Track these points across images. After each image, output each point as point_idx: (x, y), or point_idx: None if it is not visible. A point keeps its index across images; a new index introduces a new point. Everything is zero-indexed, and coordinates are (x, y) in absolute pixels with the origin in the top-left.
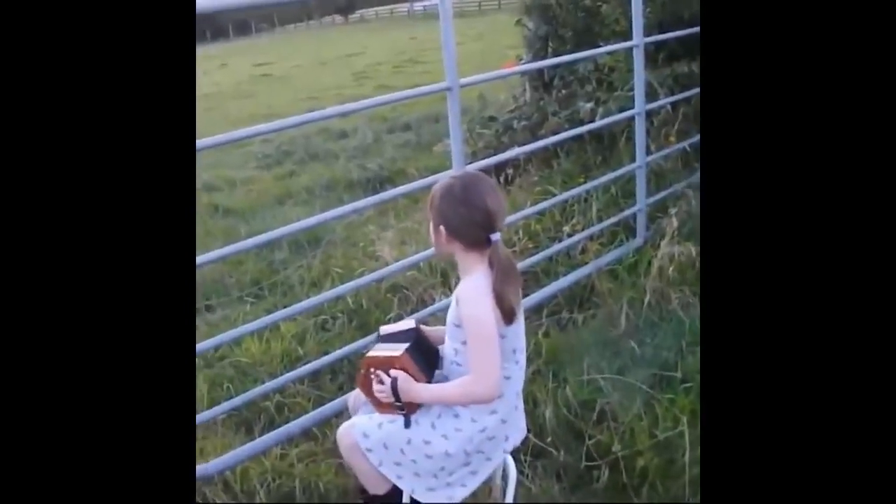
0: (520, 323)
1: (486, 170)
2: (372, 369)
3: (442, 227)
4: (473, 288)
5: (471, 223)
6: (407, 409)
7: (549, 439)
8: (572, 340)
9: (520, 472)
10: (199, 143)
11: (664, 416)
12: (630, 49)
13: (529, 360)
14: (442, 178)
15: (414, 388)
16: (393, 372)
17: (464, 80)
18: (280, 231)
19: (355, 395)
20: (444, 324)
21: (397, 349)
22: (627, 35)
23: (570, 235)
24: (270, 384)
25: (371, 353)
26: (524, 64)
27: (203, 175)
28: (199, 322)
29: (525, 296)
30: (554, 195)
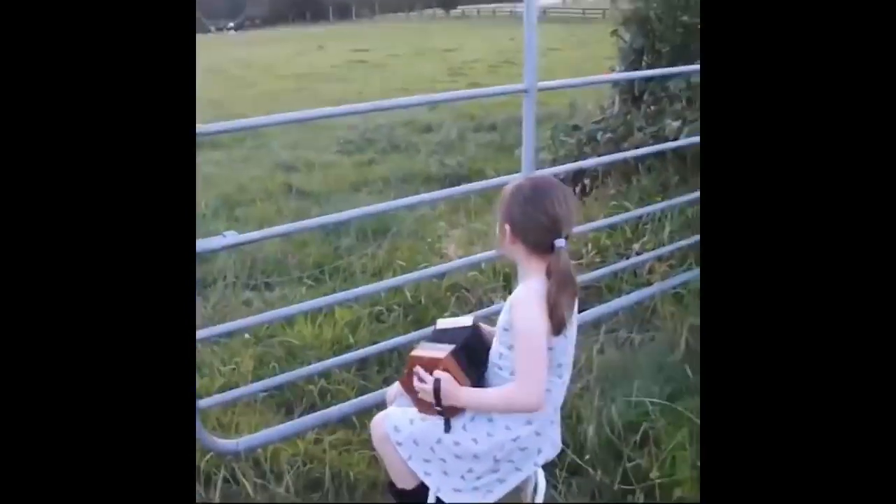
0: (569, 337)
1: (560, 178)
2: (416, 367)
3: (507, 226)
4: (528, 294)
5: (536, 225)
6: (447, 412)
7: (587, 457)
8: (627, 360)
9: (553, 487)
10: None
11: None
12: None
13: (579, 375)
14: (515, 179)
15: (455, 392)
16: (436, 373)
17: (542, 84)
18: (328, 218)
19: (395, 387)
20: None
21: (443, 350)
22: None
23: (638, 254)
24: (314, 367)
25: (417, 351)
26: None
27: (282, 154)
28: (254, 298)
29: (586, 310)
30: (628, 211)
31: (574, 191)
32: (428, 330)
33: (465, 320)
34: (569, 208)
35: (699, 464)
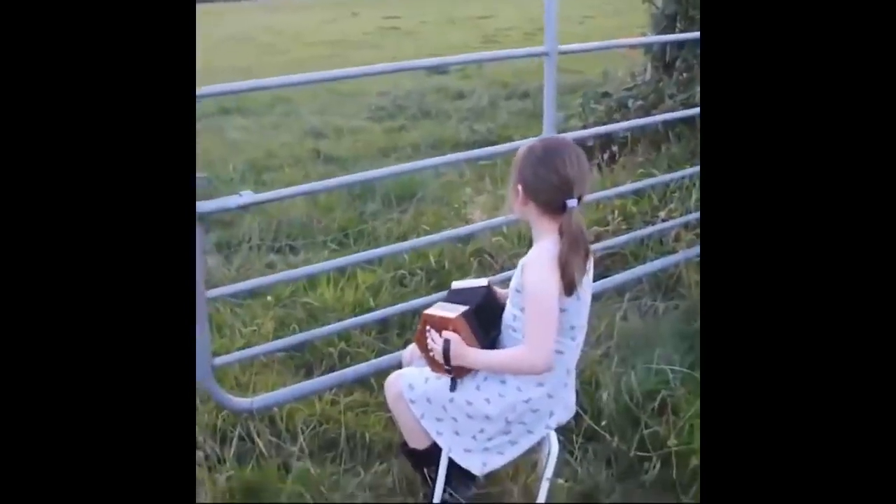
0: (583, 299)
1: (586, 143)
2: (427, 327)
3: (520, 187)
4: (540, 256)
5: (548, 185)
6: (455, 372)
7: (604, 423)
8: (649, 328)
9: (569, 452)
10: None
11: None
12: None
13: (600, 342)
14: (530, 141)
15: (464, 352)
16: (445, 334)
17: (562, 48)
18: (348, 178)
19: (411, 349)
20: None
21: (455, 310)
22: None
23: (664, 221)
24: (332, 326)
25: (429, 311)
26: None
27: (312, 120)
28: (278, 261)
29: (608, 276)
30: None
31: (602, 157)
32: (444, 293)
33: (481, 281)
34: (580, 169)
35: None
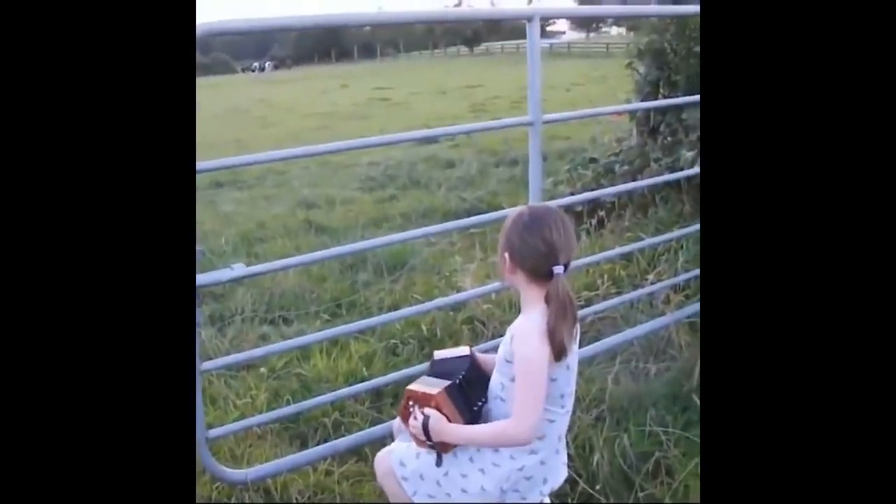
0: (571, 367)
1: (574, 208)
2: (410, 402)
3: (507, 254)
4: (529, 325)
5: (535, 252)
6: (439, 447)
7: (598, 487)
8: (641, 390)
9: None
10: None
11: None
12: None
13: (593, 405)
14: (517, 209)
15: (445, 429)
16: (427, 410)
17: (547, 117)
18: (339, 249)
19: (399, 421)
20: None
21: (438, 385)
22: None
23: (653, 283)
24: (326, 396)
25: (412, 386)
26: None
27: (303, 191)
28: (271, 333)
29: (599, 340)
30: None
31: (591, 223)
32: (428, 364)
33: (463, 350)
34: (566, 236)
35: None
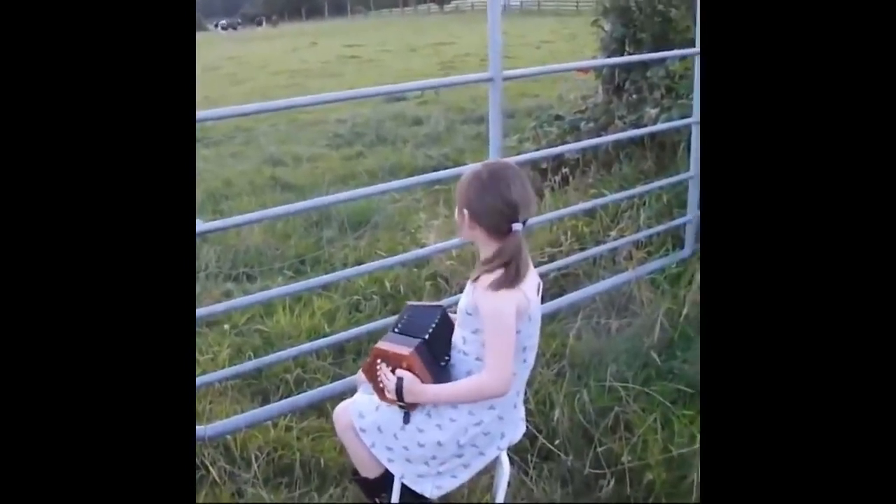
0: (534, 320)
1: (539, 165)
2: (379, 360)
3: (466, 211)
4: (493, 278)
5: (493, 210)
6: (408, 406)
7: (557, 442)
8: (602, 346)
9: (524, 472)
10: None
11: (680, 433)
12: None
13: (554, 360)
14: (474, 166)
15: (419, 390)
16: (399, 372)
17: (507, 73)
18: (298, 205)
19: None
20: None
21: (408, 344)
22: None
23: (616, 240)
24: (286, 352)
25: (381, 344)
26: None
27: (270, 148)
28: (235, 289)
29: (562, 296)
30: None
31: (555, 179)
32: (399, 315)
33: (436, 303)
34: (525, 193)
35: (670, 448)
